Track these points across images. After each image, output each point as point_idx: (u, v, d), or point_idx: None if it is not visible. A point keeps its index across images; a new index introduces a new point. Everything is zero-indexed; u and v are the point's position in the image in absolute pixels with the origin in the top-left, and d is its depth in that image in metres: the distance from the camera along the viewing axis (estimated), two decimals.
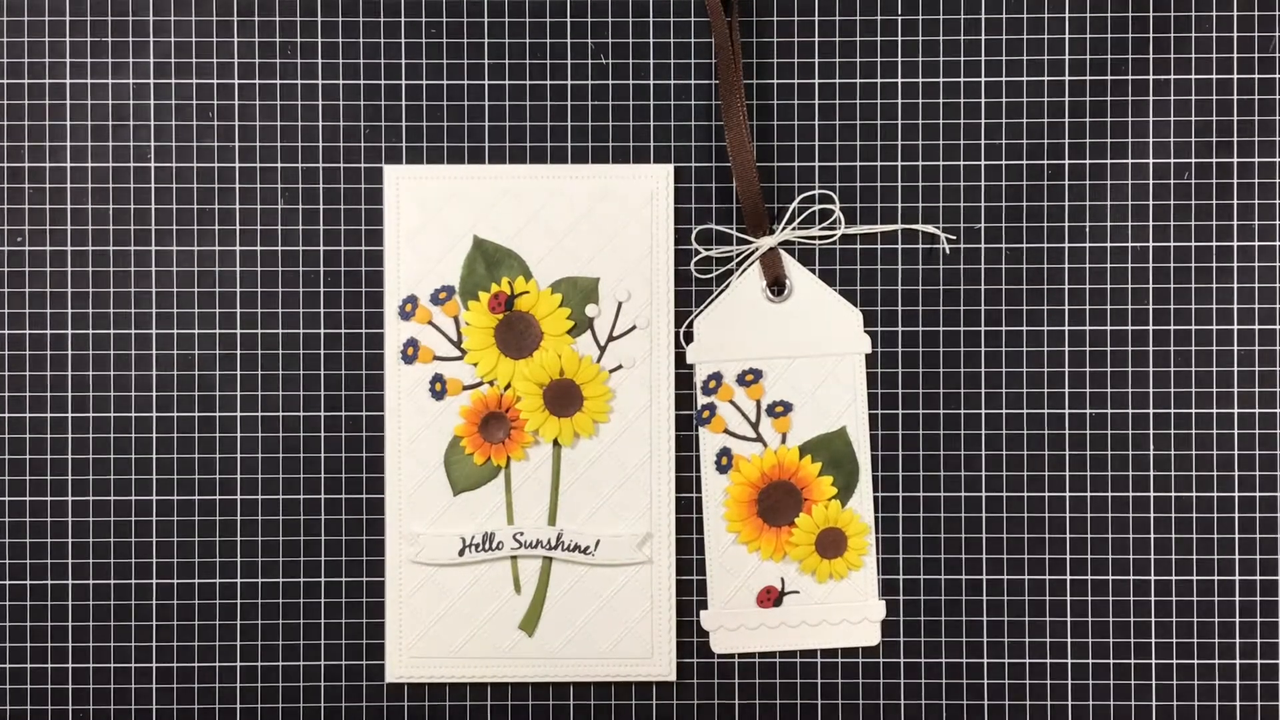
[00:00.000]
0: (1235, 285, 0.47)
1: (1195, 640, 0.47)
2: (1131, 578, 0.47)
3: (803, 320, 0.47)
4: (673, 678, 0.47)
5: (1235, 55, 0.47)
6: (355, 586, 0.47)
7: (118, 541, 0.47)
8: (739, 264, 0.47)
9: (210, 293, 0.47)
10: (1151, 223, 0.47)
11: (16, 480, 0.47)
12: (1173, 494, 0.47)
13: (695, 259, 0.47)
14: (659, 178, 0.47)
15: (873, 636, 0.47)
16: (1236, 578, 0.47)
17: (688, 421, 0.47)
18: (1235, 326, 0.47)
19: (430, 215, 0.47)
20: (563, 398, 0.46)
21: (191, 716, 0.47)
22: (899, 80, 0.47)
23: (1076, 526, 0.47)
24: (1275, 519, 0.47)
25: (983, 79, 0.47)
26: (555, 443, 0.47)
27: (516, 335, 0.46)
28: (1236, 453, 0.47)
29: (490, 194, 0.47)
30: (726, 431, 0.47)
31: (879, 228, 0.47)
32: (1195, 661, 0.47)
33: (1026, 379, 0.47)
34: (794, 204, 0.47)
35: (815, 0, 0.47)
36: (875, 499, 0.47)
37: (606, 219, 0.47)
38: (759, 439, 0.47)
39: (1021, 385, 0.47)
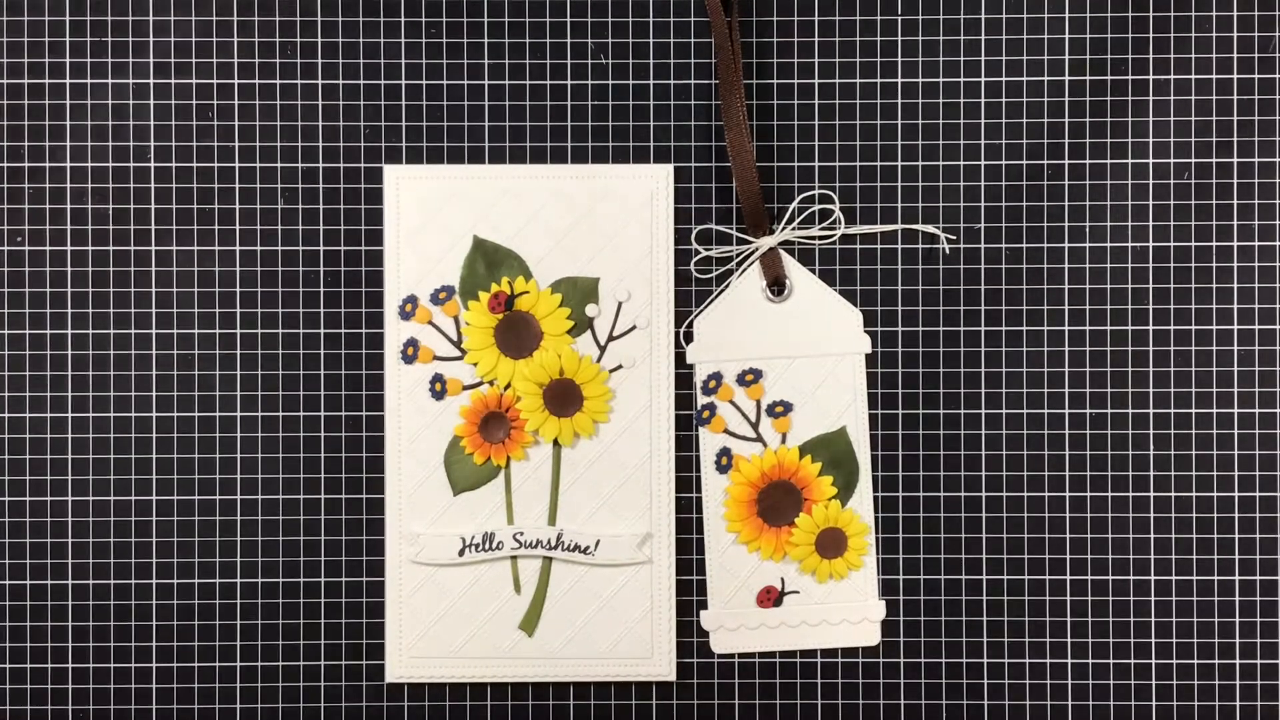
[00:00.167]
0: (1235, 285, 0.47)
1: (1195, 640, 0.47)
2: (1131, 578, 0.47)
3: (803, 320, 0.47)
4: (673, 678, 0.47)
5: (1235, 55, 0.47)
6: (355, 586, 0.47)
7: (118, 541, 0.47)
8: (739, 264, 0.47)
9: (210, 293, 0.47)
10: (1151, 223, 0.47)
11: (16, 480, 0.47)
12: (1173, 494, 0.47)
13: (695, 259, 0.47)
14: (659, 178, 0.47)
15: (873, 636, 0.47)
16: (1236, 578, 0.47)
17: (688, 421, 0.47)
18: (1235, 326, 0.47)
19: (430, 215, 0.47)
20: (563, 398, 0.46)
21: (191, 716, 0.47)
22: (899, 80, 0.47)
23: (1076, 526, 0.47)
24: (1275, 519, 0.47)
25: (983, 79, 0.47)
26: (555, 443, 0.47)
27: (516, 335, 0.46)
28: (1236, 453, 0.47)
29: (490, 194, 0.47)
30: (726, 431, 0.47)
31: (879, 228, 0.47)
32: (1195, 661, 0.47)
33: (1026, 379, 0.47)
34: (794, 204, 0.47)
35: (815, 0, 0.47)
36: (875, 499, 0.47)
37: (606, 219, 0.47)
38: (759, 439, 0.47)
39: (1021, 385, 0.47)
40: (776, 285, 0.47)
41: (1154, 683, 0.47)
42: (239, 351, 0.47)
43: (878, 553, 0.47)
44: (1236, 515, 0.47)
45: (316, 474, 0.47)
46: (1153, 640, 0.47)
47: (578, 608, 0.46)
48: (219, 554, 0.47)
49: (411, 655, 0.46)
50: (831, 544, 0.47)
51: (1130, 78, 0.47)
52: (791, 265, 0.47)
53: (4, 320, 0.47)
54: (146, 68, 0.47)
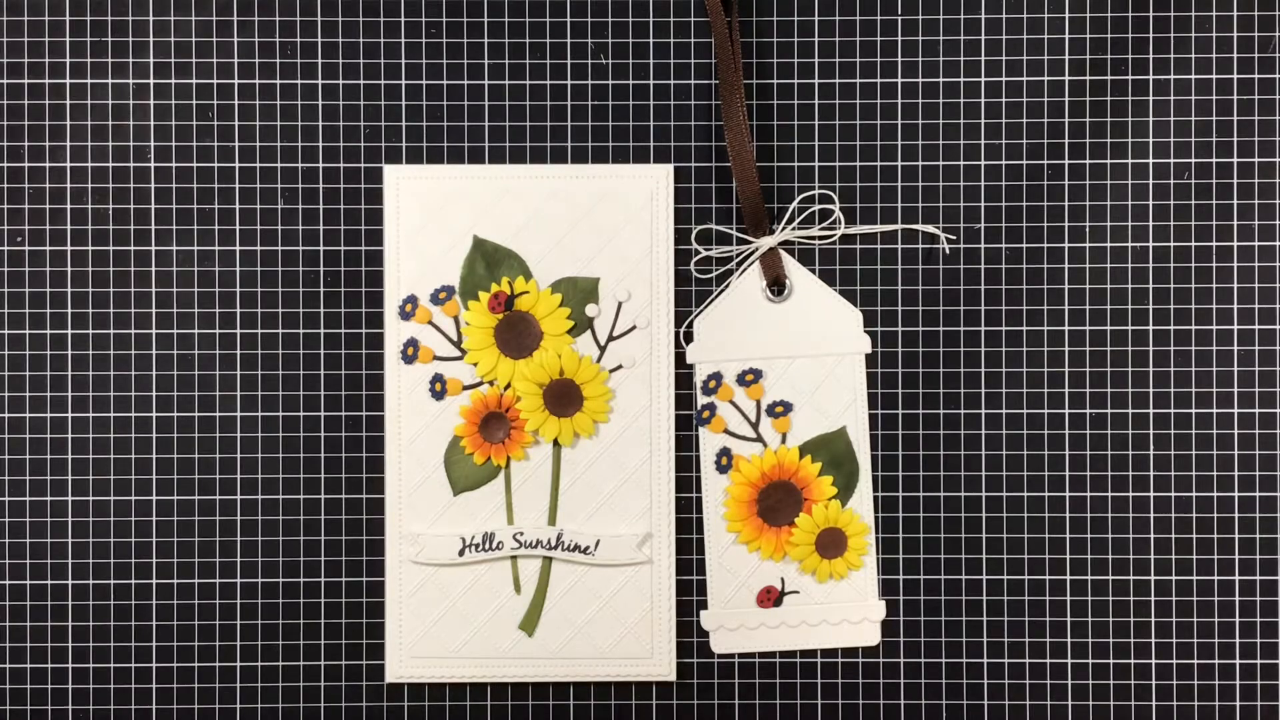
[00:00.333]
0: (1235, 285, 0.47)
1: (1195, 640, 0.47)
2: (1131, 578, 0.47)
3: (803, 320, 0.47)
4: (673, 678, 0.47)
5: (1235, 55, 0.47)
6: (355, 586, 0.47)
7: (118, 541, 0.47)
8: (739, 264, 0.47)
9: (210, 293, 0.47)
10: (1151, 223, 0.47)
11: (16, 480, 0.47)
12: (1173, 494, 0.47)
13: (695, 259, 0.47)
14: (659, 178, 0.47)
15: (873, 636, 0.47)
16: (1236, 578, 0.47)
17: (688, 421, 0.47)
18: (1235, 326, 0.47)
19: (430, 215, 0.47)
20: (563, 398, 0.46)
21: (191, 716, 0.47)
22: (899, 80, 0.47)
23: (1076, 526, 0.47)
24: (1275, 519, 0.47)
25: (983, 79, 0.47)
26: (555, 443, 0.47)
27: (516, 335, 0.46)
28: (1236, 453, 0.47)
29: (490, 194, 0.47)
30: (726, 431, 0.47)
31: (879, 228, 0.47)
32: (1195, 661, 0.47)
33: (1026, 379, 0.47)
34: (794, 204, 0.47)
35: (815, 0, 0.47)
36: (875, 499, 0.47)
37: (606, 219, 0.47)
38: (759, 439, 0.47)
39: (1021, 385, 0.47)
40: (776, 285, 0.47)
41: (1154, 683, 0.47)
42: (239, 351, 0.47)
43: (878, 553, 0.47)
44: (1236, 515, 0.47)
45: (316, 474, 0.47)
46: (1153, 640, 0.47)
47: (578, 608, 0.46)
48: (219, 554, 0.47)
49: (411, 655, 0.46)
50: (831, 544, 0.47)
51: (1130, 78, 0.47)
52: (791, 265, 0.47)
53: (4, 320, 0.47)
54: (146, 68, 0.47)
